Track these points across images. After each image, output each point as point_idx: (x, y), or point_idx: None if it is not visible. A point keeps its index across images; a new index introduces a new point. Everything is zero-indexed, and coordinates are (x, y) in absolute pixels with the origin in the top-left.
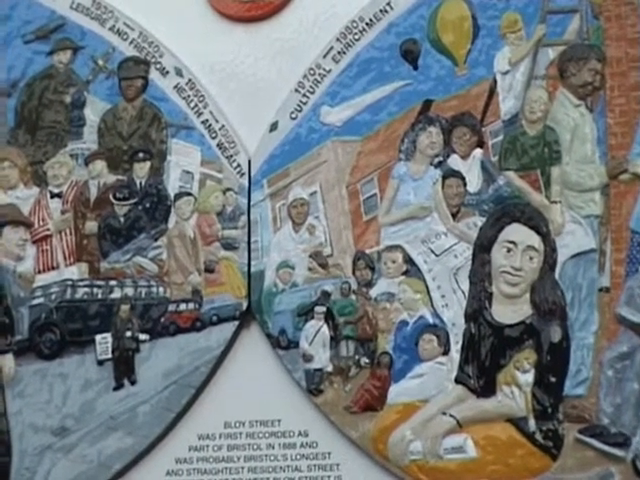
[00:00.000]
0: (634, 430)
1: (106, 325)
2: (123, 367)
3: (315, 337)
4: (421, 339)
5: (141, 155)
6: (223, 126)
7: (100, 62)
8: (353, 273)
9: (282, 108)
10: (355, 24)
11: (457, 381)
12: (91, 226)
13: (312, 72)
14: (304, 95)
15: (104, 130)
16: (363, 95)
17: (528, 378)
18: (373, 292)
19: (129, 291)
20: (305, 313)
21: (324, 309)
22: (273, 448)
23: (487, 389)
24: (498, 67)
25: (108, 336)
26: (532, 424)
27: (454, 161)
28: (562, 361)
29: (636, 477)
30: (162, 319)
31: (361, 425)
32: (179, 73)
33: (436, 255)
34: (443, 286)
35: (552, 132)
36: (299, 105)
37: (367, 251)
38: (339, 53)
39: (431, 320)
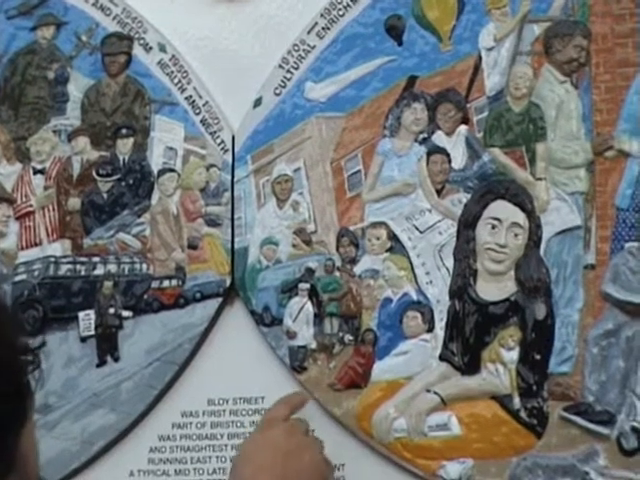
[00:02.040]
0: (619, 408)
1: (89, 302)
2: (106, 344)
3: (299, 314)
4: (405, 316)
5: (124, 131)
6: (207, 102)
7: (83, 38)
8: (337, 250)
9: (266, 84)
10: (339, 0)
11: (441, 358)
12: (74, 202)
13: (296, 48)
14: (288, 71)
15: (87, 106)
16: (347, 71)
17: (513, 355)
18: (357, 269)
19: (112, 268)
20: (289, 290)
21: (308, 286)
22: (256, 425)
23: (471, 366)
24: (483, 43)
25: (91, 313)
26: (517, 402)
27: (439, 137)
28: (547, 338)
29: (621, 455)
30: (145, 296)
31: (345, 402)
32: (163, 49)
33: (420, 232)
34: (427, 263)
35: (537, 108)
36: (283, 81)
37: (351, 228)
38: (323, 29)
39: (415, 297)
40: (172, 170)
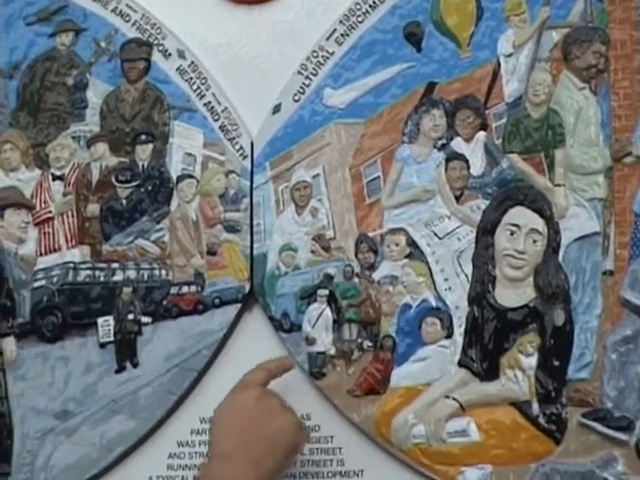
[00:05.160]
0: (638, 414)
1: (108, 308)
2: (125, 350)
3: (318, 320)
4: (424, 322)
5: (143, 137)
6: (226, 108)
7: (102, 44)
8: (356, 256)
9: (285, 90)
10: (358, 6)
11: (460, 364)
12: (93, 209)
13: (315, 54)
14: (307, 77)
15: (106, 112)
16: (366, 77)
17: (532, 362)
18: (376, 275)
19: (131, 274)
20: (308, 296)
21: (327, 292)
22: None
23: (490, 372)
24: (502, 50)
25: (110, 319)
26: (535, 408)
27: (457, 144)
28: (566, 344)
29: (639, 461)
30: (164, 302)
31: (364, 409)
32: (182, 55)
33: (439, 238)
34: (446, 269)
35: (556, 115)
36: (302, 87)
37: (370, 234)
38: (342, 35)
39: (434, 303)
40: (191, 176)
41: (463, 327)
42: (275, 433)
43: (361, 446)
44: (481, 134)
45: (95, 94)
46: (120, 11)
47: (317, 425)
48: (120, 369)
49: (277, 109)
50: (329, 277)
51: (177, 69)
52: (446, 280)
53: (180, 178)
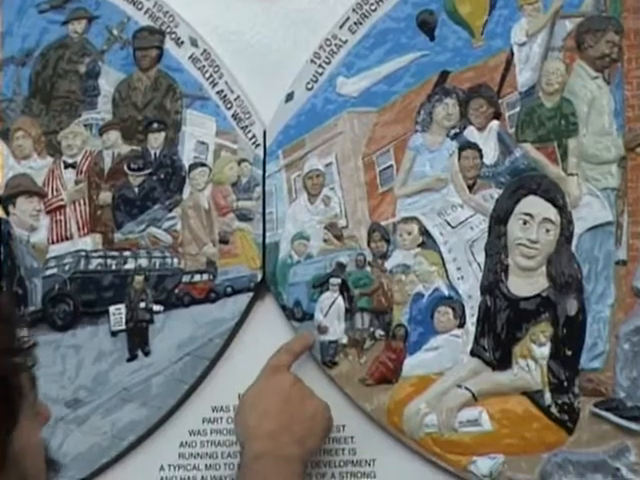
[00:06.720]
0: None
1: (120, 296)
2: (137, 338)
3: (330, 309)
4: (436, 311)
5: (156, 125)
6: (238, 97)
7: (115, 32)
8: (368, 245)
9: (298, 79)
10: None
11: (473, 354)
12: (105, 197)
13: (328, 43)
14: (320, 66)
15: (118, 100)
16: (379, 66)
17: (544, 351)
18: (388, 264)
19: (143, 262)
20: (320, 285)
21: (339, 281)
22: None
23: (503, 362)
24: (515, 39)
25: (122, 307)
26: (548, 397)
27: (470, 133)
28: (578, 334)
29: None
30: (176, 290)
31: (376, 398)
32: (194, 43)
33: (452, 227)
34: (459, 258)
35: (569, 104)
36: (315, 76)
37: (382, 223)
38: (355, 24)
39: (447, 292)
40: (203, 164)
41: (475, 316)
42: (312, 415)
43: (373, 435)
44: (494, 123)
45: (107, 82)
46: None
47: None
48: (132, 357)
49: (290, 97)
50: (341, 266)
51: (189, 57)
52: (459, 269)
53: (192, 166)
